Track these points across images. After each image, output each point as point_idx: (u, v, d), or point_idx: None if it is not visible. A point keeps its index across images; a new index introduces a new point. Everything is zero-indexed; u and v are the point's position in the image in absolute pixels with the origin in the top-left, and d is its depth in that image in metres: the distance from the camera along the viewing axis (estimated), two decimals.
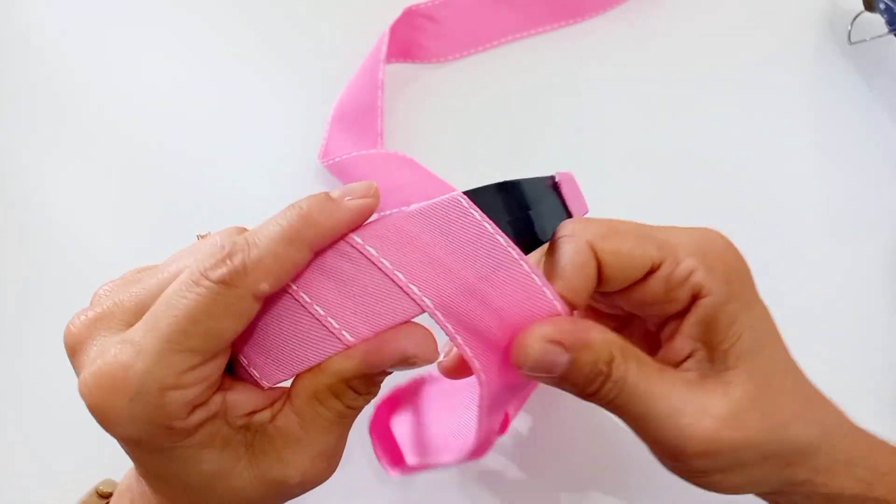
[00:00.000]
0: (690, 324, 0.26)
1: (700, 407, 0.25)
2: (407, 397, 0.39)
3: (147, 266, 0.26)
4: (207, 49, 0.50)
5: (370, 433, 0.38)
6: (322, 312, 0.23)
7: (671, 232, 0.26)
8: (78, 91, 0.49)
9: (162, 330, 0.22)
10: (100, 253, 0.45)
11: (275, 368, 0.24)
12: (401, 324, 0.24)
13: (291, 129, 0.48)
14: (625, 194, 0.46)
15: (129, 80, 0.49)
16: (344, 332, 0.23)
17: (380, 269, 0.23)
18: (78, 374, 0.23)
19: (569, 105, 0.49)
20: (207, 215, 0.46)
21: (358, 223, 0.24)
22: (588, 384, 0.25)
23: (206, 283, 0.22)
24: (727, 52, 0.50)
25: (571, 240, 0.25)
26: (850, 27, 0.49)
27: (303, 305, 0.24)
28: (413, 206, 0.24)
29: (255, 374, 0.24)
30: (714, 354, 0.26)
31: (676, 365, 0.26)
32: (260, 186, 0.46)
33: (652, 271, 0.26)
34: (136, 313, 0.23)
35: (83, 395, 0.22)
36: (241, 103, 0.49)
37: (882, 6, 0.47)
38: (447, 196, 0.24)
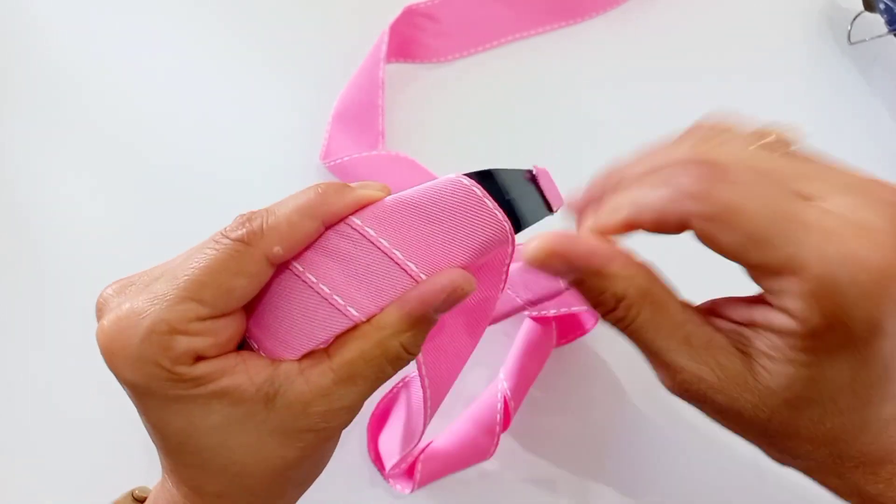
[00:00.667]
0: (765, 317, 0.22)
1: (702, 369, 0.23)
2: (389, 409, 0.40)
3: None
4: (208, 49, 0.50)
5: (370, 454, 0.39)
6: (328, 291, 0.25)
7: (817, 224, 0.21)
8: (80, 93, 0.49)
9: (178, 280, 0.23)
10: (102, 253, 0.45)
11: (283, 349, 0.25)
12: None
13: (292, 128, 0.48)
14: None
15: (129, 80, 0.49)
16: (349, 308, 0.25)
17: (378, 248, 0.25)
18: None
19: (569, 105, 0.49)
20: (208, 215, 0.46)
21: (371, 203, 0.25)
22: (594, 306, 0.24)
23: (225, 240, 0.24)
24: (727, 52, 0.50)
25: (662, 188, 0.23)
26: (849, 27, 0.49)
27: (309, 286, 0.25)
28: (408, 191, 0.26)
29: (262, 354, 0.25)
30: (766, 353, 0.22)
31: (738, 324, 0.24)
32: (261, 187, 0.46)
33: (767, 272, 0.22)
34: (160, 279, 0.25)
35: (98, 340, 0.24)
36: (242, 104, 0.49)
37: (882, 6, 0.47)
38: (446, 177, 0.26)
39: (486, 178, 0.26)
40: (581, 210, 0.26)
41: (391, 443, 0.38)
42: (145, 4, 0.51)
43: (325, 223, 0.25)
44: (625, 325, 0.24)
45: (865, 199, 0.22)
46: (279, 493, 0.27)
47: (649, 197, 0.23)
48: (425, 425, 0.32)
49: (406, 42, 0.49)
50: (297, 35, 0.51)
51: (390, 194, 0.26)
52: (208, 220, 0.45)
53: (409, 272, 0.25)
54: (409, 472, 0.38)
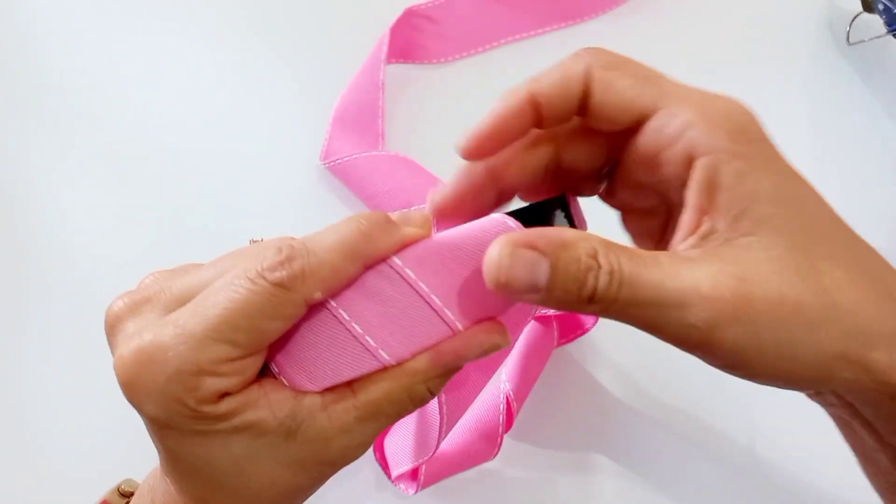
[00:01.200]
0: (692, 192, 0.22)
1: (715, 272, 0.21)
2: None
3: (195, 263, 0.26)
4: (208, 51, 0.50)
5: (376, 457, 0.39)
6: (360, 330, 0.24)
7: (683, 87, 0.24)
8: (82, 96, 0.49)
9: (210, 318, 0.22)
10: (105, 255, 0.45)
11: (306, 380, 0.24)
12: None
13: (292, 130, 0.48)
14: None
15: (130, 81, 0.49)
16: (381, 351, 0.24)
17: (417, 292, 0.24)
18: (114, 351, 0.24)
19: None
20: (209, 216, 0.46)
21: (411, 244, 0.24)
22: (581, 286, 0.21)
23: (263, 282, 0.22)
24: (726, 53, 0.50)
25: (572, 58, 0.24)
26: (848, 28, 0.49)
27: (341, 322, 0.24)
28: (453, 231, 0.24)
29: (285, 382, 0.25)
30: (725, 224, 0.22)
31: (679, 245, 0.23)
32: (261, 187, 0.46)
33: (644, 121, 0.23)
34: (181, 301, 0.23)
35: (117, 371, 0.23)
36: (242, 105, 0.49)
37: (881, 7, 0.47)
38: (491, 217, 0.25)
39: (526, 214, 0.25)
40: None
41: (399, 448, 0.38)
42: (146, 6, 0.51)
43: (365, 266, 0.24)
44: (616, 283, 0.21)
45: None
46: None
47: (550, 72, 0.24)
48: (438, 444, 0.32)
49: (406, 43, 0.49)
50: (298, 36, 0.51)
51: (430, 227, 0.25)
52: (209, 221, 0.45)
53: (446, 319, 0.24)
54: (413, 474, 0.38)
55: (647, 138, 0.23)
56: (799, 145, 0.48)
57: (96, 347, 0.43)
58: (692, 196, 0.22)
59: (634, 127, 0.24)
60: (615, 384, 0.42)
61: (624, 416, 0.41)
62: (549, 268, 0.21)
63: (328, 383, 0.24)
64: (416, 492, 0.38)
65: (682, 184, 0.23)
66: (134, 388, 0.23)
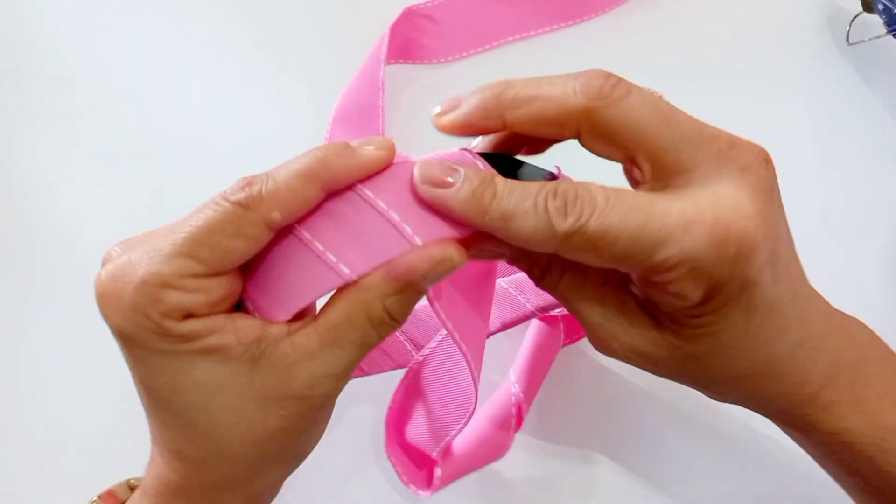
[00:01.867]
0: (660, 299, 0.25)
1: (620, 333, 0.27)
2: (409, 397, 0.39)
3: None
4: (207, 50, 0.51)
5: (390, 458, 0.39)
6: (321, 248, 0.24)
7: (679, 220, 0.23)
8: (86, 96, 0.49)
9: (176, 236, 0.24)
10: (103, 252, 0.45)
11: (276, 307, 0.25)
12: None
13: (292, 129, 0.48)
14: None
15: (130, 81, 0.49)
16: (341, 265, 0.24)
17: (376, 209, 0.25)
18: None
19: None
20: None
21: (370, 172, 0.25)
22: (528, 276, 0.27)
23: (225, 203, 0.24)
24: (726, 53, 0.50)
25: (566, 96, 0.25)
26: (848, 28, 0.49)
27: (303, 242, 0.25)
28: (420, 156, 0.26)
29: (257, 315, 0.25)
30: (669, 319, 0.26)
31: None
32: None
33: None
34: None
35: (95, 288, 0.24)
36: (243, 105, 0.49)
37: (880, 7, 0.47)
38: (452, 151, 0.26)
39: (500, 162, 0.26)
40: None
41: (423, 433, 0.38)
42: (145, 5, 0.51)
43: (325, 188, 0.24)
44: (552, 290, 0.27)
45: (727, 172, 0.25)
46: (259, 467, 0.26)
47: (555, 88, 0.25)
48: (476, 390, 0.32)
49: (406, 43, 0.49)
50: (298, 36, 0.51)
51: (393, 150, 0.26)
52: None
53: (405, 234, 0.24)
54: (428, 477, 0.38)
55: (640, 286, 0.26)
56: (799, 145, 0.48)
57: (98, 344, 0.43)
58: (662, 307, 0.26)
59: None
60: (619, 384, 0.42)
61: (627, 415, 0.41)
62: (509, 256, 0.26)
63: (296, 308, 0.25)
64: (431, 494, 0.38)
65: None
66: (105, 300, 0.24)
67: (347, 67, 0.48)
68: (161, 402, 0.25)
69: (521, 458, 0.40)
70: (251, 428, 0.25)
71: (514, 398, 0.38)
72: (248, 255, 0.24)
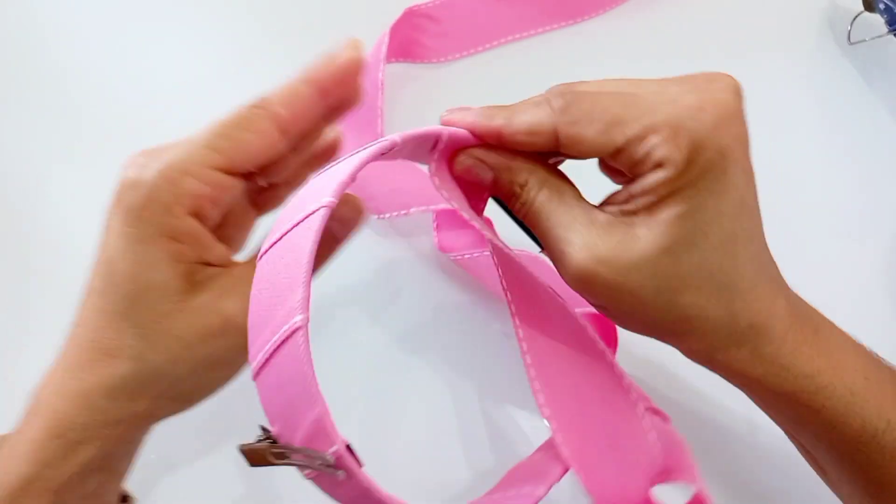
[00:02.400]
0: (641, 183, 0.26)
1: (588, 243, 0.26)
2: None
3: None
4: (207, 50, 0.50)
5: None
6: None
7: (656, 100, 0.26)
8: (87, 95, 0.49)
9: (204, 132, 0.28)
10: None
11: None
12: None
13: None
14: None
15: (129, 81, 0.49)
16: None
17: None
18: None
19: None
20: None
21: (350, 72, 0.30)
22: (507, 198, 0.28)
23: (242, 108, 0.29)
24: (727, 52, 0.50)
25: (539, 107, 0.27)
26: (849, 27, 0.49)
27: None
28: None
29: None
30: (643, 219, 0.26)
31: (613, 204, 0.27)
32: None
33: (622, 152, 0.26)
34: None
35: (125, 165, 0.28)
36: (242, 103, 0.49)
37: (881, 6, 0.47)
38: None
39: None
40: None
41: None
42: (145, 5, 0.51)
43: (318, 89, 0.29)
44: (527, 208, 0.28)
45: (689, 82, 0.28)
46: (154, 395, 0.28)
47: (526, 114, 0.27)
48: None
49: (406, 43, 0.49)
50: (297, 36, 0.51)
51: (360, 47, 0.30)
52: None
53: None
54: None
55: (621, 160, 0.26)
56: (800, 144, 0.48)
57: None
58: (635, 188, 0.26)
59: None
60: None
61: None
62: (491, 179, 0.28)
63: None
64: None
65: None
66: (125, 183, 0.28)
67: None
68: (117, 285, 0.28)
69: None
70: (173, 342, 0.28)
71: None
72: (260, 154, 0.28)
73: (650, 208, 0.26)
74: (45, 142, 0.48)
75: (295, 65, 0.49)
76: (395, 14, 0.48)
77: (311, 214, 0.25)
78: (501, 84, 0.50)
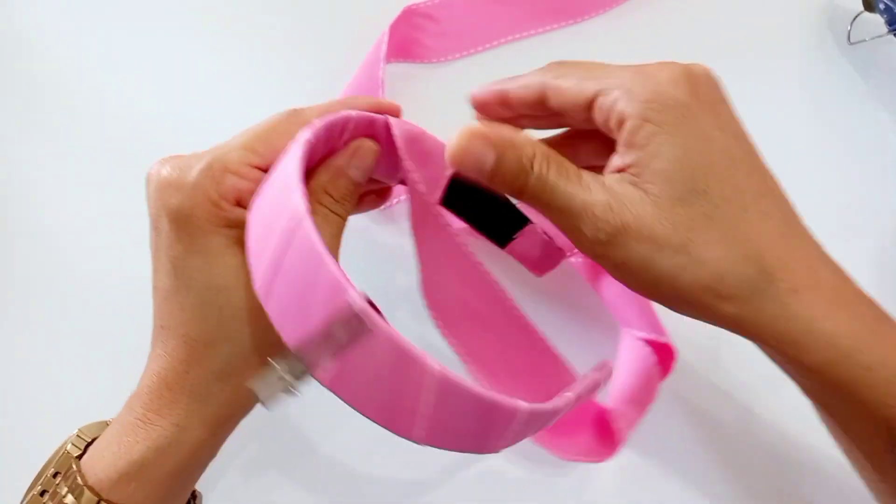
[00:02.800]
0: (619, 146, 0.28)
1: (611, 201, 0.27)
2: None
3: None
4: (206, 50, 0.50)
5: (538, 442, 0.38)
6: None
7: (620, 70, 0.29)
8: (75, 93, 0.49)
9: (240, 135, 0.31)
10: (94, 255, 0.45)
11: None
12: None
13: None
14: None
15: (127, 80, 0.49)
16: None
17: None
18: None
19: None
20: None
21: (381, 108, 0.35)
22: (515, 179, 0.28)
23: (279, 113, 0.32)
24: (726, 52, 0.50)
25: (534, 72, 0.31)
26: (849, 27, 0.49)
27: None
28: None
29: None
30: (635, 171, 0.28)
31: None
32: None
33: (591, 106, 0.29)
34: None
35: (151, 178, 0.30)
36: (241, 104, 0.49)
37: (881, 6, 0.47)
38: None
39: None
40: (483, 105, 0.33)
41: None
42: (143, 4, 0.51)
43: (347, 107, 0.32)
44: (541, 182, 0.28)
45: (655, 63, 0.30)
46: (257, 354, 0.30)
47: (523, 78, 0.31)
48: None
49: (406, 42, 0.49)
50: (297, 35, 0.51)
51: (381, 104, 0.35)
52: None
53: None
54: (606, 439, 0.38)
55: (598, 115, 0.29)
56: (799, 144, 0.48)
57: (90, 344, 0.43)
58: (618, 147, 0.28)
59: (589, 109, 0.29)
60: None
61: None
62: (495, 159, 0.27)
63: None
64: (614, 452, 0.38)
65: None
66: (165, 184, 0.29)
67: (347, 67, 0.48)
68: (188, 280, 0.29)
69: (521, 458, 0.40)
70: (256, 316, 0.29)
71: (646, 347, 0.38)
72: None
73: (641, 165, 0.27)
74: (39, 139, 0.48)
75: (294, 63, 0.50)
76: (395, 13, 0.48)
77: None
78: None
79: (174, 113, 0.48)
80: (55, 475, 0.30)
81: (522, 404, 0.27)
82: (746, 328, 0.28)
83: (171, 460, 0.29)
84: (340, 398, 0.25)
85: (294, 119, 0.31)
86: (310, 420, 0.41)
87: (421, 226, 0.34)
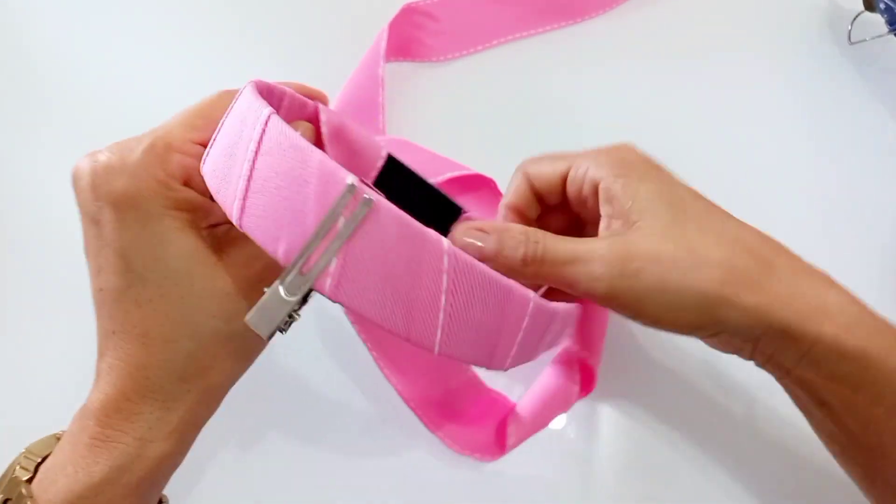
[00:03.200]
0: (601, 207, 0.31)
1: (611, 247, 0.29)
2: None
3: None
4: (205, 47, 0.50)
5: (436, 433, 0.39)
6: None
7: (585, 151, 0.33)
8: (73, 92, 0.49)
9: (179, 114, 0.30)
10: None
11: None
12: None
13: None
14: None
15: (126, 80, 0.49)
16: None
17: None
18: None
19: (568, 105, 0.49)
20: None
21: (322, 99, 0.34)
22: (514, 251, 0.29)
23: (212, 95, 0.31)
24: (727, 52, 0.50)
25: (517, 171, 0.35)
26: (850, 27, 0.49)
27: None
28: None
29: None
30: (621, 222, 0.30)
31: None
32: None
33: (565, 179, 0.33)
34: None
35: (85, 164, 0.28)
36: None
37: (882, 6, 0.47)
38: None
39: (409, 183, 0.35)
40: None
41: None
42: (142, 4, 0.51)
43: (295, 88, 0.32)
44: (543, 247, 0.29)
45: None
46: (221, 349, 0.28)
47: (511, 188, 0.35)
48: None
49: (405, 41, 0.49)
50: (296, 34, 0.50)
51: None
52: None
53: None
54: (500, 440, 0.38)
55: (572, 187, 0.33)
56: (800, 144, 0.48)
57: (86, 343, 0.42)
58: (602, 209, 0.31)
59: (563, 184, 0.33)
60: (617, 384, 0.41)
61: (625, 413, 0.41)
62: (495, 241, 0.29)
63: None
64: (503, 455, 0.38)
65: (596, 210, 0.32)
66: (107, 170, 0.27)
67: (346, 65, 0.48)
68: (142, 271, 0.27)
69: (521, 458, 0.40)
70: (222, 301, 0.27)
71: (572, 349, 0.39)
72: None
73: (624, 209, 0.30)
74: (37, 136, 0.48)
75: (294, 62, 0.50)
76: (394, 11, 0.48)
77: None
78: (501, 83, 0.50)
79: (173, 111, 0.48)
80: (5, 502, 0.27)
81: (531, 293, 0.27)
82: (774, 321, 0.28)
83: (135, 477, 0.27)
84: (349, 308, 0.23)
85: (228, 96, 0.30)
86: (308, 420, 0.41)
87: None
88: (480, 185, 0.44)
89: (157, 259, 0.27)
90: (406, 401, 0.38)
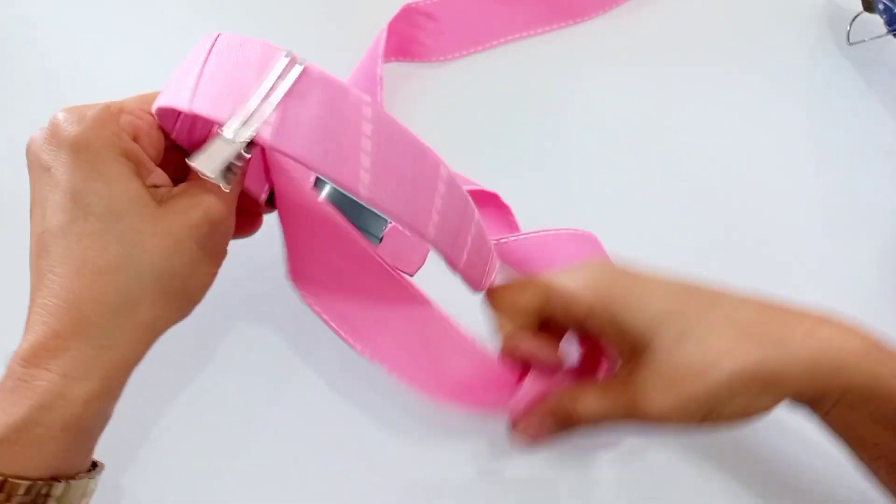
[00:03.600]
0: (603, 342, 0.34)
1: (647, 378, 0.32)
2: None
3: None
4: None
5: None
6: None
7: (559, 272, 0.35)
8: (73, 92, 0.49)
9: (139, 94, 0.31)
10: None
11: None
12: None
13: None
14: (623, 194, 0.46)
15: (124, 80, 0.49)
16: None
17: None
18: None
19: (568, 105, 0.49)
20: None
21: None
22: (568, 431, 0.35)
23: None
24: (726, 52, 0.50)
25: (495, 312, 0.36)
26: (849, 27, 0.49)
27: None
28: None
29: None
30: (624, 356, 0.33)
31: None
32: None
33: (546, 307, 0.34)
34: None
35: (62, 113, 0.29)
36: None
37: (881, 6, 0.47)
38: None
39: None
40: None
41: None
42: (141, 3, 0.51)
43: None
44: (588, 415, 0.34)
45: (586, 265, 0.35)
46: (158, 286, 0.29)
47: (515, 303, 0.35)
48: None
49: (404, 41, 0.49)
50: (296, 33, 0.50)
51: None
52: None
53: None
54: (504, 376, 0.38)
55: (558, 315, 0.34)
56: (799, 145, 0.48)
57: None
58: (615, 353, 0.34)
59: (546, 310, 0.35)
60: None
61: None
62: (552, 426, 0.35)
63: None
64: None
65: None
66: (66, 118, 0.29)
67: (346, 64, 0.48)
68: (87, 207, 0.28)
69: (521, 457, 0.40)
70: (161, 239, 0.29)
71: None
72: None
73: (631, 349, 0.33)
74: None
75: None
76: (394, 10, 0.48)
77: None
78: (500, 84, 0.50)
79: None
80: None
81: (442, 158, 0.30)
82: (821, 372, 0.30)
83: (60, 416, 0.27)
84: (286, 154, 0.27)
85: None
86: (306, 420, 0.41)
87: (286, 199, 0.35)
88: (486, 201, 0.43)
89: (103, 196, 0.28)
90: (397, 377, 0.36)
